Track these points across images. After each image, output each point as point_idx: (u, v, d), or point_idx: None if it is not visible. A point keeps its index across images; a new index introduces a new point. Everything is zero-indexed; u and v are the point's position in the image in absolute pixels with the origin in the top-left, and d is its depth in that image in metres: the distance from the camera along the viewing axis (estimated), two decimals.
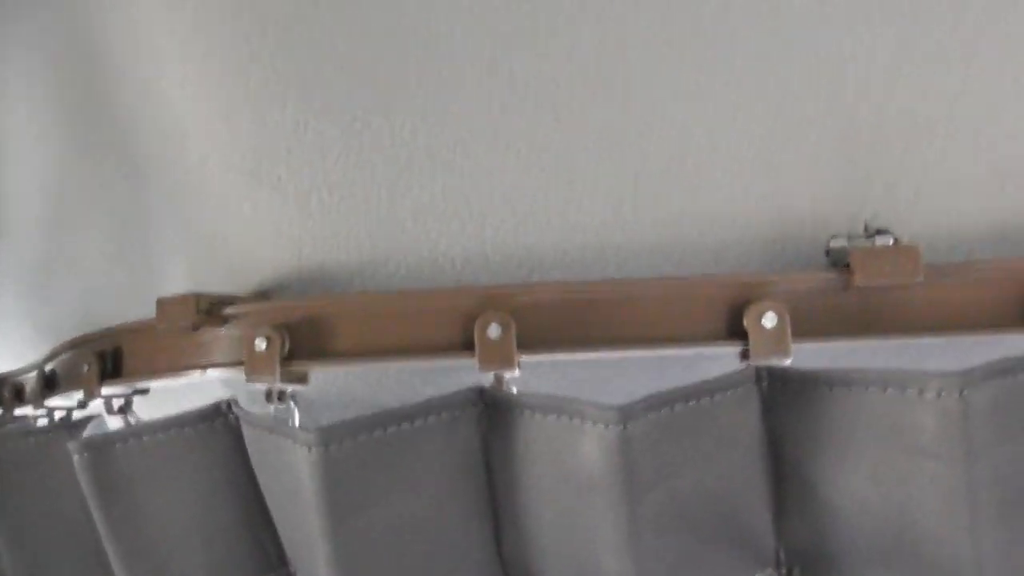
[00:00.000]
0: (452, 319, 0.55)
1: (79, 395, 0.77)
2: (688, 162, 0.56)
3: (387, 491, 0.49)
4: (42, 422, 0.84)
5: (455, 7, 0.55)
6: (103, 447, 0.56)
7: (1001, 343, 0.51)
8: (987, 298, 0.50)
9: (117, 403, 0.69)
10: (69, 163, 0.80)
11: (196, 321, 0.58)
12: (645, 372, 0.63)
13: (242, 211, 0.62)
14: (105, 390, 0.67)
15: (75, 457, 0.57)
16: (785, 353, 0.50)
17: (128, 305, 0.80)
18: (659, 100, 0.55)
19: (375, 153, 0.59)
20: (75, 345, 0.74)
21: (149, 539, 0.58)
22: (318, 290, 0.63)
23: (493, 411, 0.51)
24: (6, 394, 0.92)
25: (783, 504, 0.49)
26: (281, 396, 0.57)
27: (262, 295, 0.64)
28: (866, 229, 0.55)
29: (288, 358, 0.56)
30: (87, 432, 0.66)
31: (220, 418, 0.56)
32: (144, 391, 0.70)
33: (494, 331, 0.52)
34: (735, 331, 0.52)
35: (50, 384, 0.81)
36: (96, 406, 0.82)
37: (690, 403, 0.46)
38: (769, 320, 0.50)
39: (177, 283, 0.73)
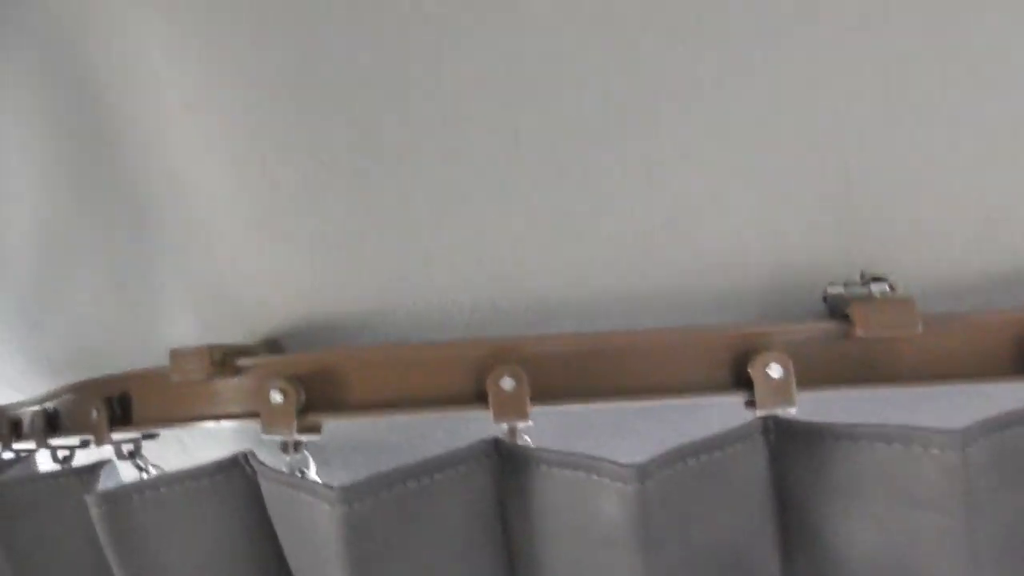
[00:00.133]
0: (464, 370, 0.56)
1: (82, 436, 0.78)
2: (689, 214, 0.58)
3: (408, 545, 0.51)
4: (43, 459, 0.85)
5: (461, 64, 0.56)
6: (121, 499, 0.57)
7: (995, 390, 0.53)
8: (982, 347, 0.52)
9: (127, 448, 0.69)
10: (67, 203, 0.80)
11: (210, 372, 0.58)
12: (645, 415, 0.65)
13: (250, 261, 0.63)
14: (115, 435, 0.68)
15: (93, 509, 0.58)
16: (790, 402, 0.51)
17: (124, 345, 0.81)
18: (659, 154, 0.57)
19: (383, 204, 0.60)
20: (79, 389, 0.75)
21: None
22: (328, 338, 0.64)
23: (508, 463, 0.52)
24: (3, 429, 0.92)
25: (790, 552, 0.51)
26: (296, 447, 0.58)
27: (272, 343, 0.65)
28: (862, 277, 0.57)
29: (303, 410, 0.57)
30: (101, 479, 0.66)
31: (237, 469, 0.57)
32: (153, 435, 0.71)
33: (507, 383, 0.54)
34: (740, 380, 0.54)
35: (52, 423, 0.81)
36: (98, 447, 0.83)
37: (702, 457, 0.48)
38: (775, 370, 0.52)
39: (179, 327, 0.74)
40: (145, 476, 0.70)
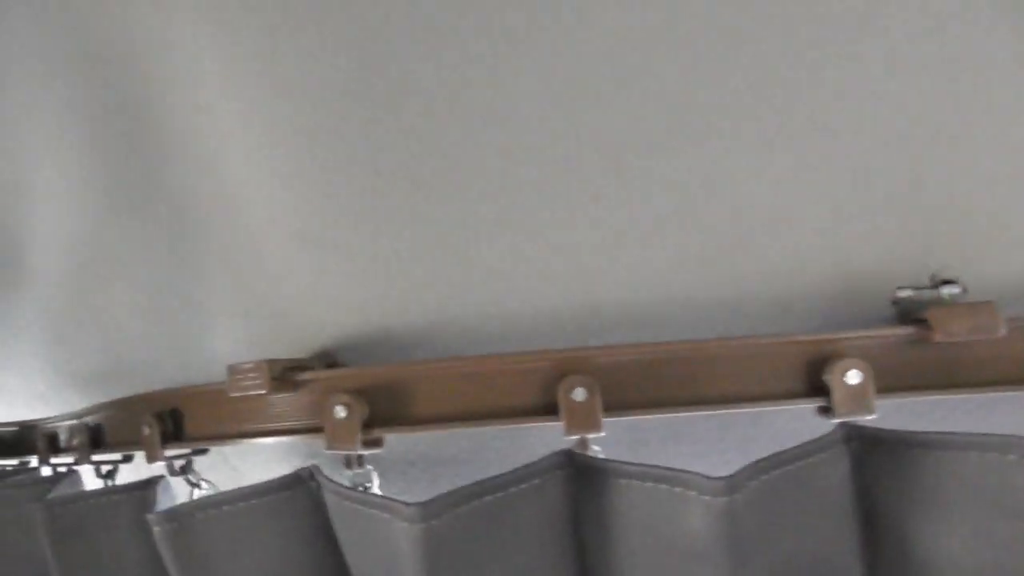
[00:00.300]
0: (532, 382, 0.55)
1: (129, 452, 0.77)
2: (753, 218, 0.57)
3: (483, 560, 0.50)
4: (88, 475, 0.84)
5: (520, 74, 0.56)
6: (184, 518, 0.57)
7: None
8: None
9: (178, 464, 0.69)
10: (101, 218, 0.79)
11: (270, 387, 0.57)
12: (705, 421, 0.64)
13: (306, 275, 0.62)
14: (167, 452, 0.67)
15: (155, 528, 0.57)
16: (869, 409, 0.51)
17: (162, 360, 0.80)
18: (724, 157, 0.56)
19: (442, 217, 0.59)
20: (126, 404, 0.74)
21: None
22: (383, 353, 0.63)
23: (582, 476, 0.51)
24: (40, 443, 0.91)
25: (874, 563, 0.50)
26: (360, 461, 0.57)
27: (327, 357, 0.64)
28: (932, 280, 0.56)
29: (367, 425, 0.57)
30: (158, 496, 0.66)
31: (301, 486, 0.56)
32: (204, 451, 0.70)
33: (579, 394, 0.53)
34: (814, 388, 0.53)
35: (95, 439, 0.80)
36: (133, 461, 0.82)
37: (786, 468, 0.47)
38: (853, 377, 0.51)
39: (225, 342, 0.73)
40: (198, 492, 0.69)
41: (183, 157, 0.66)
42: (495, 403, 0.56)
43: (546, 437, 0.64)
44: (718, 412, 0.54)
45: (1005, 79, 0.53)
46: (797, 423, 0.61)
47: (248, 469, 0.81)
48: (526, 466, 0.51)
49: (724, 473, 0.47)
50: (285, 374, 0.59)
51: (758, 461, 0.46)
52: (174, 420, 0.67)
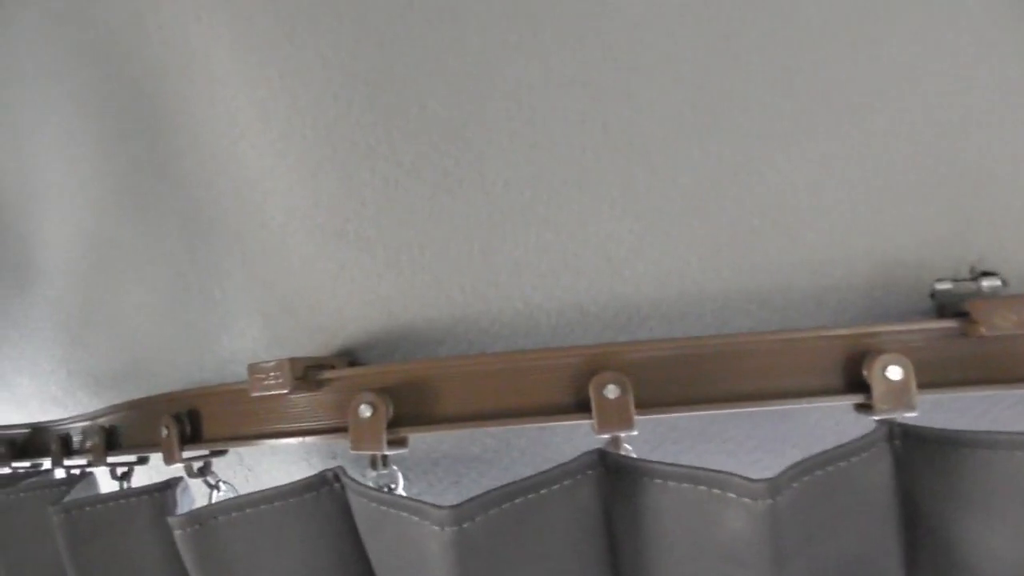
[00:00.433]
0: (562, 379, 0.54)
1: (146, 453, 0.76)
2: (787, 208, 0.55)
3: (515, 563, 0.49)
4: (102, 476, 0.83)
5: (546, 59, 0.54)
6: (205, 520, 0.55)
7: None
8: None
9: (197, 465, 0.67)
10: (119, 217, 0.78)
11: (293, 386, 0.56)
12: (736, 418, 0.63)
13: (328, 271, 0.60)
14: (185, 454, 0.66)
15: (176, 531, 0.56)
16: (911, 406, 0.49)
17: (177, 360, 0.79)
18: (757, 147, 0.55)
19: (467, 209, 0.58)
20: (142, 406, 0.73)
21: None
22: (407, 350, 0.62)
23: (615, 476, 0.50)
24: (53, 446, 0.90)
25: (917, 564, 0.49)
26: (384, 462, 0.56)
27: (349, 355, 0.62)
28: (972, 272, 0.54)
29: (392, 424, 0.55)
30: (177, 499, 0.64)
31: (326, 487, 0.55)
32: (222, 452, 0.69)
33: (612, 391, 0.52)
34: (852, 384, 0.52)
35: (110, 440, 0.79)
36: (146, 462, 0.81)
37: (828, 469, 0.46)
38: (894, 372, 0.49)
39: (243, 341, 0.72)
40: (217, 493, 0.67)
41: (199, 151, 0.65)
42: (523, 401, 0.54)
43: (573, 436, 0.62)
44: (753, 409, 0.53)
45: None
46: (831, 419, 0.60)
47: (264, 471, 0.80)
48: (558, 466, 0.49)
49: (754, 472, 0.46)
50: (308, 373, 0.58)
51: (799, 462, 0.45)
52: (192, 421, 0.66)
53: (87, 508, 0.65)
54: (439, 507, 0.47)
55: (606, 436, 0.52)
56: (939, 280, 0.55)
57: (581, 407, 0.53)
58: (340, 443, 0.63)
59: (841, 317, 0.57)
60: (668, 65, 0.54)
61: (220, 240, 0.67)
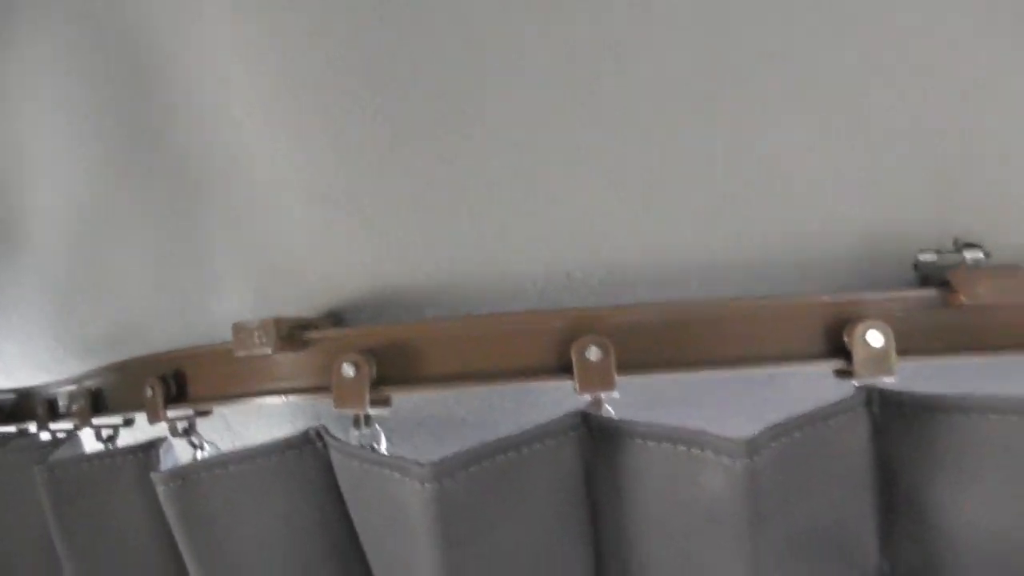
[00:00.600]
0: (545, 341, 0.54)
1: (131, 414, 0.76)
2: (774, 180, 0.56)
3: (496, 521, 0.49)
4: (87, 439, 0.83)
5: (538, 28, 0.54)
6: (189, 477, 0.55)
7: None
8: None
9: (181, 425, 0.67)
10: (107, 182, 0.78)
11: (277, 346, 0.56)
12: (720, 383, 0.63)
13: (316, 234, 0.60)
14: (170, 414, 0.66)
15: (159, 488, 0.56)
16: (890, 372, 0.50)
17: (164, 323, 0.79)
18: (746, 117, 0.55)
19: (455, 173, 0.58)
20: (127, 367, 0.73)
21: (236, 569, 0.57)
22: (393, 313, 0.62)
23: (597, 437, 0.50)
24: (39, 409, 0.90)
25: (892, 528, 0.49)
26: (367, 421, 0.56)
27: (335, 317, 0.63)
28: (955, 244, 0.55)
29: (375, 384, 0.55)
30: (161, 458, 0.65)
31: (308, 446, 0.55)
32: (207, 413, 0.69)
33: (593, 353, 0.52)
34: (833, 349, 0.52)
35: (96, 403, 0.79)
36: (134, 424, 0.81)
37: (806, 431, 0.46)
38: (874, 339, 0.50)
39: (230, 302, 0.72)
40: (201, 454, 0.68)
41: (185, 113, 0.64)
42: (507, 363, 0.55)
43: (558, 399, 0.62)
44: (735, 373, 0.53)
45: None
46: (812, 386, 0.60)
47: (250, 434, 0.80)
48: (540, 426, 0.50)
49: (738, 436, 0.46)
50: (292, 333, 0.58)
51: (777, 424, 0.45)
52: (177, 381, 0.66)
53: (72, 467, 0.65)
54: (420, 464, 0.47)
55: (588, 397, 0.53)
56: (923, 251, 0.55)
57: (563, 369, 0.53)
58: (325, 405, 0.63)
59: (826, 287, 0.58)
60: (662, 36, 0.54)
61: (206, 201, 0.67)
